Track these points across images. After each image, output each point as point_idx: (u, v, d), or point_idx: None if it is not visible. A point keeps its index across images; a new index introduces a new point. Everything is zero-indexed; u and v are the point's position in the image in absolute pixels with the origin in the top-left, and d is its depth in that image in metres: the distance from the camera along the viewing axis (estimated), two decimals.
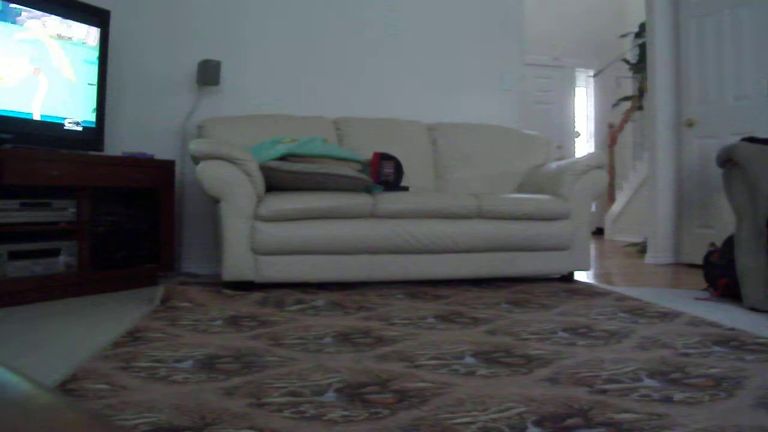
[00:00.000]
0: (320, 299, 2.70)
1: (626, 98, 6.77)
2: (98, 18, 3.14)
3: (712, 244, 3.17)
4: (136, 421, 1.25)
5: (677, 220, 4.42)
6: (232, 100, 3.83)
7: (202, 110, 3.75)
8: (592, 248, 4.97)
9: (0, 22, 2.69)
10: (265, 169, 2.96)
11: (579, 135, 8.01)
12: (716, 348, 1.89)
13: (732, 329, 2.15)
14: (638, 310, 2.51)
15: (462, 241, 3.12)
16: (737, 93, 3.98)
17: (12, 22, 2.73)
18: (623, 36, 6.79)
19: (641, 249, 5.00)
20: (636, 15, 6.12)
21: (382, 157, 3.32)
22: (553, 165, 3.59)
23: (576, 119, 7.92)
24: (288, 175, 2.98)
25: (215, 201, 2.95)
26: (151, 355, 1.77)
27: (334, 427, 1.24)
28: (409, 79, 4.16)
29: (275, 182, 2.98)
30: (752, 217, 2.63)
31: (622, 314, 2.44)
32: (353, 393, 1.45)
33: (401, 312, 2.48)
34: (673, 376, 1.59)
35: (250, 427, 1.23)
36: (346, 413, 1.32)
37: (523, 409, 1.33)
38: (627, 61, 6.63)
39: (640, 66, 6.07)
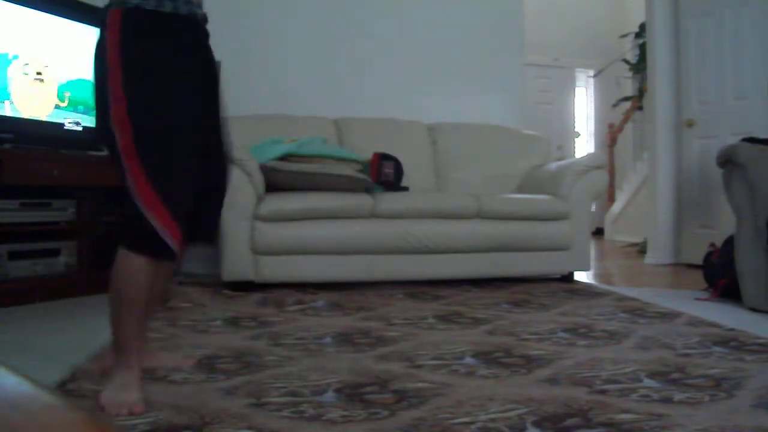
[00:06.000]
0: (320, 299, 2.70)
1: (626, 98, 6.77)
2: (98, 18, 3.14)
3: (712, 244, 3.16)
4: (136, 421, 1.25)
5: (677, 220, 4.42)
6: (232, 100, 3.80)
7: None
8: (592, 248, 4.96)
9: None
10: (265, 169, 2.96)
11: (579, 135, 8.00)
12: (716, 348, 1.89)
13: (732, 329, 2.15)
14: (638, 311, 2.51)
15: (462, 241, 3.11)
16: (737, 93, 3.98)
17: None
18: (623, 36, 6.79)
19: (641, 249, 5.00)
20: (636, 15, 6.11)
21: (382, 157, 3.32)
22: (553, 165, 3.60)
23: (576, 119, 7.91)
24: (288, 176, 2.97)
25: None
26: None
27: (334, 427, 1.24)
28: (409, 79, 4.15)
29: (275, 182, 2.98)
30: (752, 218, 2.63)
31: (621, 314, 2.44)
32: (353, 393, 1.45)
33: (401, 312, 2.48)
34: (673, 376, 1.59)
35: (250, 427, 1.23)
36: (345, 413, 1.32)
37: (522, 410, 1.33)
38: (627, 61, 6.63)
39: (640, 66, 6.06)
